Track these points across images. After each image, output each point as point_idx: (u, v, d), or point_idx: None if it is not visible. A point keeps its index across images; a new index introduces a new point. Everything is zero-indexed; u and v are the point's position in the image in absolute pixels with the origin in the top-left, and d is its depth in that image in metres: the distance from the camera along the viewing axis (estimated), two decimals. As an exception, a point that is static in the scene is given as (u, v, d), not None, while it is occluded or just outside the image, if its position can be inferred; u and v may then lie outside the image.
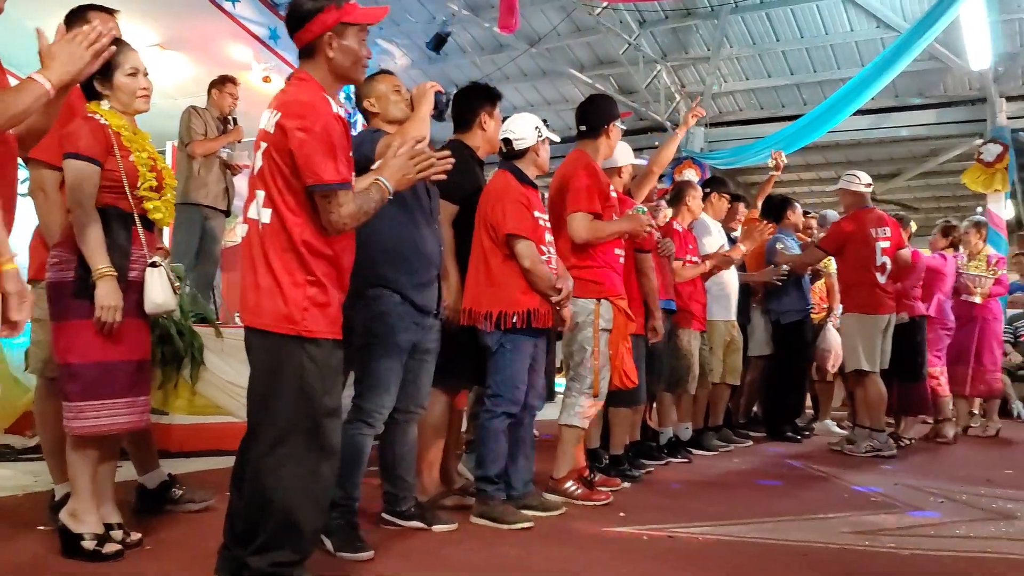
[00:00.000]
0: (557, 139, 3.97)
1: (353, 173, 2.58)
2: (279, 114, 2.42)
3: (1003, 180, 10.40)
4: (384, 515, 3.45)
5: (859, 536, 3.54)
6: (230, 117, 6.20)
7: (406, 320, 3.18)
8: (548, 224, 3.85)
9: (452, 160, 2.71)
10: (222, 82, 6.20)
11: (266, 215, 2.43)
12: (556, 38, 10.97)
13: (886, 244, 5.90)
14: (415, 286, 3.21)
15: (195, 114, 5.99)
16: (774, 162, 6.83)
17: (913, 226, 7.21)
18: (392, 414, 3.25)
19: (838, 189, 6.23)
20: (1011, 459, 5.88)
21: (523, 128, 3.85)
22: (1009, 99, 10.65)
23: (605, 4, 9.78)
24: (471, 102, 3.97)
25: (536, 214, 3.73)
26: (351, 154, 2.57)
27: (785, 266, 6.43)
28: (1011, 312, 9.82)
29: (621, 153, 4.69)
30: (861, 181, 6.06)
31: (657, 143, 12.12)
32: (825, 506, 4.13)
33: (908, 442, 6.45)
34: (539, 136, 3.84)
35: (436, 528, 3.41)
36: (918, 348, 6.36)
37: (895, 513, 4.03)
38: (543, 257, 3.68)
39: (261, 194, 2.45)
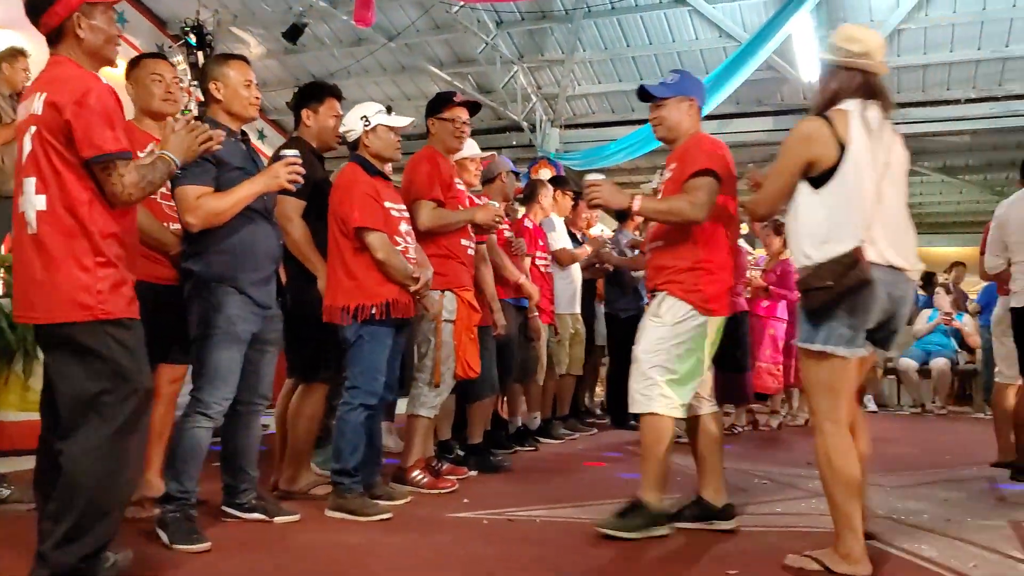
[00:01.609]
0: (401, 123, 3.88)
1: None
2: (46, 94, 2.36)
3: (832, 185, 11.11)
4: (224, 507, 3.42)
5: (686, 515, 3.75)
6: None
7: (245, 311, 3.15)
8: (405, 214, 3.86)
9: (223, 134, 2.81)
10: (12, 56, 5.56)
11: (41, 202, 2.34)
12: (415, 34, 10.95)
13: None
14: (253, 283, 3.19)
15: None
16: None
17: (744, 227, 7.53)
18: (234, 405, 3.22)
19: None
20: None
21: (350, 120, 3.84)
22: (838, 110, 11.36)
23: (462, 3, 9.84)
24: (301, 99, 4.03)
25: (388, 204, 3.73)
26: None
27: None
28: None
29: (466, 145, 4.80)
30: None
31: (515, 142, 12.39)
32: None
33: (740, 430, 6.79)
34: (366, 125, 3.78)
35: (278, 520, 3.40)
36: (739, 341, 6.46)
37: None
38: (398, 247, 3.68)
39: (32, 182, 2.36)
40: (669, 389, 3.28)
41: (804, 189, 2.92)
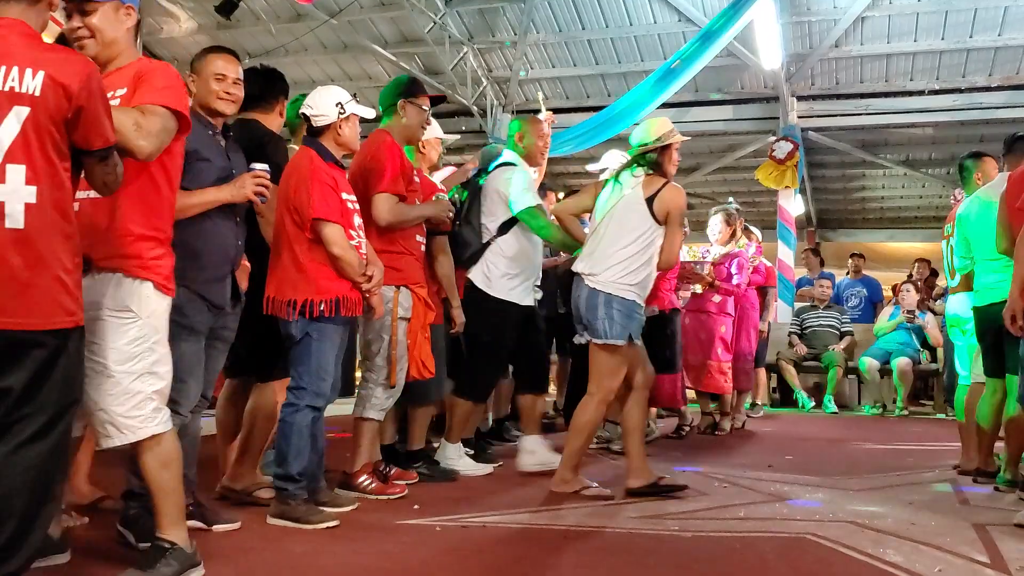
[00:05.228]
0: (370, 114, 3.89)
1: None
2: (43, 72, 2.20)
3: (793, 177, 11.31)
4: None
5: (646, 520, 3.82)
6: None
7: (198, 305, 3.15)
8: (357, 207, 3.83)
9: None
10: None
11: (31, 194, 2.21)
12: (358, 10, 10.90)
13: None
14: (205, 281, 3.17)
15: None
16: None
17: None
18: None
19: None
20: (792, 447, 6.43)
21: (323, 103, 3.76)
22: (800, 98, 11.58)
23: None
24: (275, 85, 4.01)
25: (344, 196, 3.72)
26: None
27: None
28: (798, 305, 10.74)
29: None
30: None
31: (464, 128, 12.38)
32: (615, 493, 4.41)
33: (685, 431, 6.81)
34: (341, 113, 3.75)
35: (217, 527, 3.37)
36: (669, 341, 6.30)
37: (681, 498, 4.35)
38: (352, 242, 3.67)
39: (19, 170, 2.20)
40: (161, 401, 2.74)
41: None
